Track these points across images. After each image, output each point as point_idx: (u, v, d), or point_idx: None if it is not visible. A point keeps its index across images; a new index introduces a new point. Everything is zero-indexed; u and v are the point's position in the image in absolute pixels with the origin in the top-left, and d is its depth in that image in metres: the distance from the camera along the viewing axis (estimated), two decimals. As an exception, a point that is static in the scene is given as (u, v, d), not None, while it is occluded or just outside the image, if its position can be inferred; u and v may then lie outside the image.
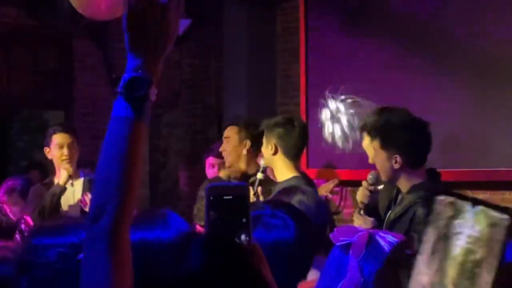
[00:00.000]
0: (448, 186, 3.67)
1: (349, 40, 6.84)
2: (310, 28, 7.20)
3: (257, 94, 7.75)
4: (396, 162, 3.60)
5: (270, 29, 7.70)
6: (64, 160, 5.32)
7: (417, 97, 6.03)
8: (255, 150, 5.12)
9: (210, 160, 5.86)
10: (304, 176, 4.66)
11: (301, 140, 4.62)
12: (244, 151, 5.17)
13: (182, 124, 8.32)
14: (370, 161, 3.73)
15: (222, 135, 5.39)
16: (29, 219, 5.81)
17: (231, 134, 5.24)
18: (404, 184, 3.65)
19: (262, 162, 4.70)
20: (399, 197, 3.72)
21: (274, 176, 4.70)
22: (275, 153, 4.54)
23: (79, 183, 5.40)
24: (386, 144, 3.63)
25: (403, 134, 3.61)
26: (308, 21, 7.22)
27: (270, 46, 7.69)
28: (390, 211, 3.71)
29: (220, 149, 5.30)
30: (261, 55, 7.81)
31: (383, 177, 3.73)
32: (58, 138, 5.36)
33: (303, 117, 6.94)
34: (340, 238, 2.10)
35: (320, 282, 2.17)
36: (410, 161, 3.61)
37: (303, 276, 2.44)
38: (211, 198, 1.52)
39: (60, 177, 5.31)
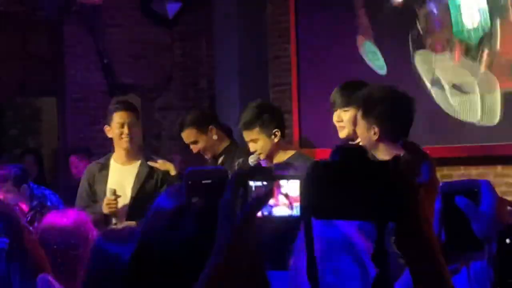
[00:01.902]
0: (439, 162, 3.69)
1: (340, 19, 6.84)
2: (300, 8, 7.19)
3: (249, 75, 7.74)
4: (374, 133, 3.67)
5: (260, 10, 7.69)
6: (123, 139, 5.13)
7: (408, 76, 6.06)
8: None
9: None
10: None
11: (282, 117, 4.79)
12: (215, 137, 5.27)
13: (174, 108, 8.31)
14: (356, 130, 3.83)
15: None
16: (24, 206, 5.82)
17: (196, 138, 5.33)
18: (383, 156, 3.69)
19: (251, 160, 4.71)
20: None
21: (271, 160, 4.74)
22: (278, 139, 4.64)
23: (135, 166, 5.22)
24: (366, 114, 3.70)
25: (382, 106, 3.67)
26: (298, 1, 7.21)
27: (260, 27, 7.68)
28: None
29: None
30: (252, 37, 7.80)
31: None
32: (119, 116, 5.14)
33: (295, 98, 6.97)
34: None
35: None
36: (388, 133, 3.66)
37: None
38: (190, 182, 1.54)
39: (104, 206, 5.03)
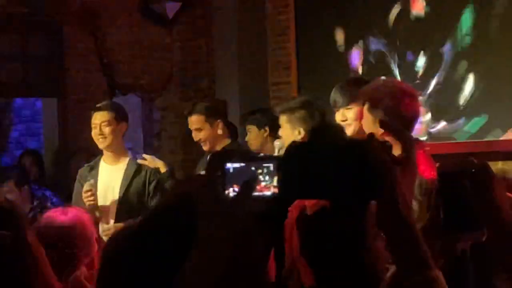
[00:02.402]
0: (441, 158, 3.69)
1: (339, 17, 6.85)
2: (300, 7, 7.19)
3: (249, 75, 7.74)
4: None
5: (260, 9, 7.68)
6: (98, 139, 5.20)
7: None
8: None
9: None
10: None
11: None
12: (220, 131, 5.39)
13: (174, 108, 8.31)
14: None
15: None
16: (24, 206, 5.82)
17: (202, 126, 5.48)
18: None
19: (277, 143, 4.72)
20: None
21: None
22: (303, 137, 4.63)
23: (123, 164, 5.25)
24: (373, 107, 3.68)
25: (388, 99, 3.65)
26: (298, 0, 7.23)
27: (260, 27, 7.67)
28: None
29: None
30: (251, 36, 7.80)
31: None
32: (93, 118, 5.26)
33: (295, 96, 6.96)
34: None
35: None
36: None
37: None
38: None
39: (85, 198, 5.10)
